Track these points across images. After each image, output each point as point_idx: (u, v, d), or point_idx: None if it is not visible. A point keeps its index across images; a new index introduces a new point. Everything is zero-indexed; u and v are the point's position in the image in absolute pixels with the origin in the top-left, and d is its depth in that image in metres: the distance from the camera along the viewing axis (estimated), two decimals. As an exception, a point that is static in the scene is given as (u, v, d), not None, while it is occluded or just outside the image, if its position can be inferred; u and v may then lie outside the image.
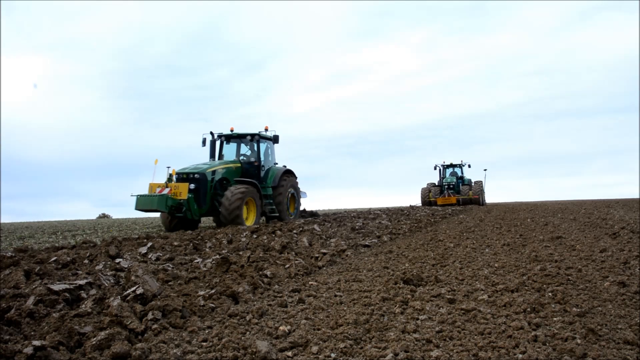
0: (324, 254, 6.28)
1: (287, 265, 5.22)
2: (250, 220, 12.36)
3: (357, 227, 10.28)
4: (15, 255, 5.29)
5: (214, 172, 12.30)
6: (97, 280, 4.05)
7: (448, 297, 3.73)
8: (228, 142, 14.25)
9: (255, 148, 13.92)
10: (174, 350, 2.62)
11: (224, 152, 14.10)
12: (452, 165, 33.66)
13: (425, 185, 32.96)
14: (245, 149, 14.29)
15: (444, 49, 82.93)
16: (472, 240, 8.08)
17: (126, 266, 4.85)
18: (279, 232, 8.31)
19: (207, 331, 3.01)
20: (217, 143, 14.08)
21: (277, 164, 14.71)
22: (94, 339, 2.66)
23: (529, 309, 3.33)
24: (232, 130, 13.87)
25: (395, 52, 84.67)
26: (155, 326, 2.98)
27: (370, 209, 22.21)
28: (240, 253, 5.86)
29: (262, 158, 13.96)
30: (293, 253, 6.15)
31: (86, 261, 5.42)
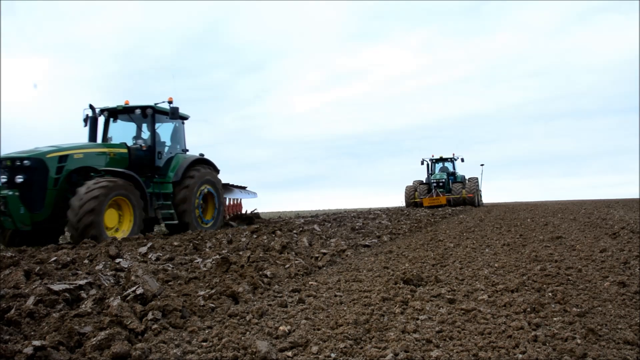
0: (324, 254, 6.28)
1: (287, 265, 5.22)
2: (122, 231, 8.48)
3: (357, 227, 10.28)
4: (15, 255, 5.29)
5: (63, 159, 8.31)
6: (97, 280, 4.05)
7: (448, 297, 3.73)
8: (115, 119, 10.40)
9: (150, 127, 10.08)
10: (174, 350, 2.62)
11: (111, 133, 10.34)
12: (442, 160, 27.64)
13: (411, 183, 26.78)
14: (145, 131, 10.52)
15: (443, 50, 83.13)
16: (472, 240, 8.08)
17: (126, 266, 4.85)
18: (279, 232, 8.31)
19: (207, 331, 3.01)
20: (102, 121, 10.32)
21: (187, 151, 11.05)
22: (94, 339, 2.66)
23: (529, 309, 3.33)
24: (127, 104, 10.08)
25: (394, 54, 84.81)
26: (155, 326, 2.98)
27: (370, 209, 22.19)
28: (240, 253, 5.86)
29: (165, 141, 10.52)
30: (293, 253, 6.15)
31: (86, 261, 5.41)
